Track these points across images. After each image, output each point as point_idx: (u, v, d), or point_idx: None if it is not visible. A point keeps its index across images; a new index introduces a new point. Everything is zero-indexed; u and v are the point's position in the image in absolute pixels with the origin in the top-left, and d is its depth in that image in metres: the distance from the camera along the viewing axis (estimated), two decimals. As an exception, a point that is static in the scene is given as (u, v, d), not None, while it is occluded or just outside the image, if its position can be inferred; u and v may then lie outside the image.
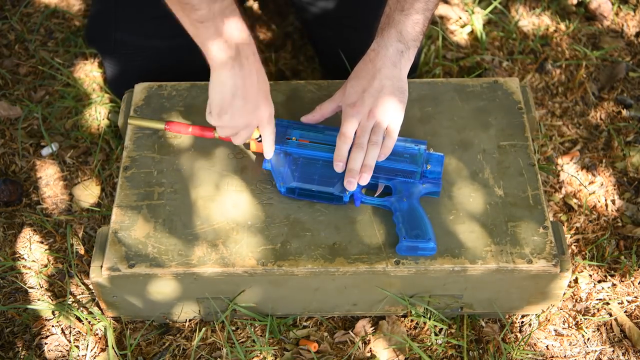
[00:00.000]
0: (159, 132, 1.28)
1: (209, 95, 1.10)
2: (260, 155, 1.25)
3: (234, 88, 1.06)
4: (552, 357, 1.22)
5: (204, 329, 1.24)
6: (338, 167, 1.16)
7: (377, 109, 1.16)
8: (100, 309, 1.25)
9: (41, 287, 1.31)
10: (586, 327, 1.25)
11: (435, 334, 1.23)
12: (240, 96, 1.07)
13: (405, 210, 1.14)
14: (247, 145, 1.25)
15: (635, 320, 1.26)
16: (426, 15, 1.18)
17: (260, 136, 1.19)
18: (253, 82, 1.07)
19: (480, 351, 1.22)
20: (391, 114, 1.17)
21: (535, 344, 1.23)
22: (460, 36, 1.73)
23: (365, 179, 1.15)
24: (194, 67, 1.50)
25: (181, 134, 1.26)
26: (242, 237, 1.16)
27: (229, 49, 1.03)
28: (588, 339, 1.24)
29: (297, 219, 1.18)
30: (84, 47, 1.68)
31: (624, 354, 1.22)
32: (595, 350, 1.23)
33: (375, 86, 1.17)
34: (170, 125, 1.24)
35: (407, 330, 1.24)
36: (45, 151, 1.50)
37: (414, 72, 1.56)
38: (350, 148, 1.17)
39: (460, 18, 1.77)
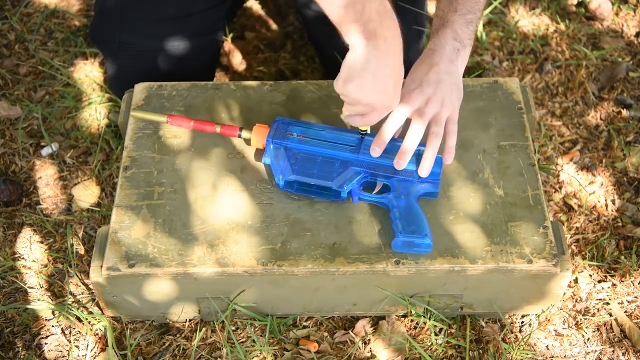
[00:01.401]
0: (158, 131, 1.28)
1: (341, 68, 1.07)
2: (260, 152, 1.24)
3: (365, 63, 1.03)
4: (552, 357, 1.22)
5: (204, 329, 1.24)
6: (379, 142, 1.16)
7: (435, 97, 1.16)
8: (100, 309, 1.25)
9: (41, 287, 1.31)
10: (586, 327, 1.25)
11: (435, 334, 1.23)
12: (370, 72, 1.04)
13: (403, 207, 1.14)
14: (248, 141, 1.25)
15: (635, 320, 1.26)
16: (477, 14, 1.21)
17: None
18: (387, 64, 1.05)
19: (480, 351, 1.22)
20: (449, 106, 1.17)
21: (535, 344, 1.23)
22: (460, 36, 1.73)
23: (427, 168, 1.16)
24: (196, 69, 1.50)
25: (183, 127, 1.26)
26: (242, 237, 1.16)
27: (365, 31, 1.01)
28: (588, 339, 1.24)
29: (297, 219, 1.18)
30: (84, 47, 1.68)
31: (624, 354, 1.22)
32: (595, 350, 1.23)
33: (432, 78, 1.17)
34: (173, 119, 1.24)
35: (407, 330, 1.24)
36: (45, 151, 1.50)
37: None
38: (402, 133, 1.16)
39: (460, 18, 1.77)
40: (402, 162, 1.15)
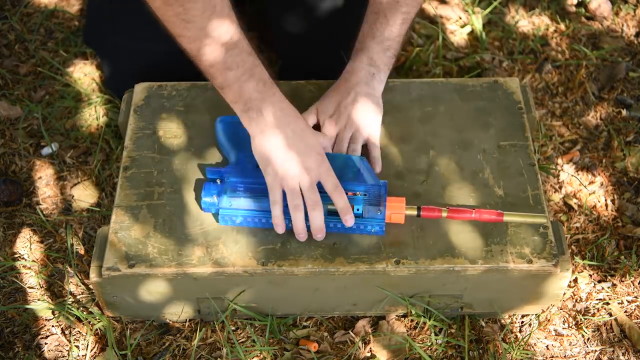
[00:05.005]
0: (158, 131, 1.28)
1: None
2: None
3: (270, 141, 1.09)
4: (552, 357, 1.22)
5: (204, 329, 1.24)
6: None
7: (351, 122, 1.21)
8: (100, 309, 1.25)
9: (41, 287, 1.31)
10: (586, 327, 1.25)
11: (435, 334, 1.23)
12: (279, 148, 1.09)
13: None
14: None
15: (635, 320, 1.26)
16: (397, 40, 1.24)
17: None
18: (288, 131, 1.09)
19: (480, 351, 1.22)
20: (367, 128, 1.21)
21: (535, 344, 1.23)
22: (460, 36, 1.73)
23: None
24: (192, 69, 1.50)
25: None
26: (242, 237, 1.16)
27: (249, 111, 1.08)
28: (588, 339, 1.24)
29: (297, 219, 1.17)
30: (84, 47, 1.68)
31: (624, 354, 1.23)
32: (595, 350, 1.23)
33: (349, 99, 1.21)
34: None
35: (407, 330, 1.24)
36: (45, 151, 1.50)
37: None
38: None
39: (460, 18, 1.77)
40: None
